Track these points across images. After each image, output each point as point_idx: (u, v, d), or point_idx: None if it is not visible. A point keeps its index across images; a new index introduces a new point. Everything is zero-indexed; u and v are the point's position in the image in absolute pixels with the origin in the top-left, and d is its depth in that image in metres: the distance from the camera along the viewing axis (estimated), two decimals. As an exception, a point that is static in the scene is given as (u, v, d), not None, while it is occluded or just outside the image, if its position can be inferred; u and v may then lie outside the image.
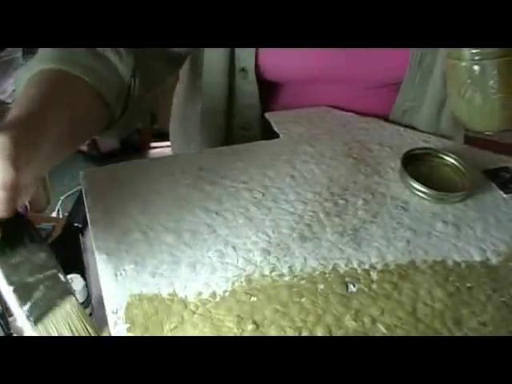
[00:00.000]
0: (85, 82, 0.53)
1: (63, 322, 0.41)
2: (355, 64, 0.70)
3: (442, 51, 0.66)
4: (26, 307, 0.40)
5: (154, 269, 0.51)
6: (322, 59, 0.69)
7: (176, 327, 0.46)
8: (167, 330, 0.46)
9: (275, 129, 0.69)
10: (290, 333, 0.46)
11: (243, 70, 0.70)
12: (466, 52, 0.51)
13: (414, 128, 0.74)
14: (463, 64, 0.51)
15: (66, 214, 0.94)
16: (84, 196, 0.58)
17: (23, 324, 0.40)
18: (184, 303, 0.48)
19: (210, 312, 0.47)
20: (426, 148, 0.66)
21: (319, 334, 0.46)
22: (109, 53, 0.56)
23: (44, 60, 0.52)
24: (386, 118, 0.75)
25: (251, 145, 0.67)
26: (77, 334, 0.41)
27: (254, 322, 0.47)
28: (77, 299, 0.43)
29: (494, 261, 0.53)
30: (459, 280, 0.51)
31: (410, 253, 0.53)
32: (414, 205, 0.59)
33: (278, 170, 0.63)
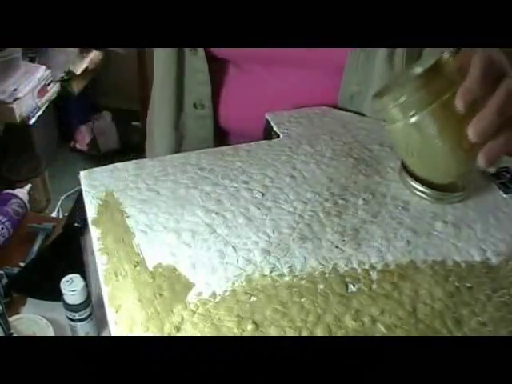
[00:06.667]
0: None
1: None
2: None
3: None
4: None
5: (154, 269, 0.51)
6: None
7: (176, 327, 0.46)
8: (167, 330, 0.46)
9: (275, 129, 0.69)
10: (290, 333, 0.46)
11: None
12: (397, 111, 0.50)
13: (363, 115, 0.73)
14: (399, 124, 0.51)
15: (66, 214, 0.93)
16: (84, 196, 0.58)
17: None
18: (184, 303, 0.48)
19: (209, 312, 0.47)
20: None
21: (319, 334, 0.46)
22: None
23: None
24: (335, 106, 0.74)
25: (251, 145, 0.67)
26: None
27: (254, 322, 0.47)
28: None
29: (494, 261, 0.53)
30: (459, 280, 0.51)
31: (409, 253, 0.53)
32: (414, 205, 0.59)
33: (278, 170, 0.63)
